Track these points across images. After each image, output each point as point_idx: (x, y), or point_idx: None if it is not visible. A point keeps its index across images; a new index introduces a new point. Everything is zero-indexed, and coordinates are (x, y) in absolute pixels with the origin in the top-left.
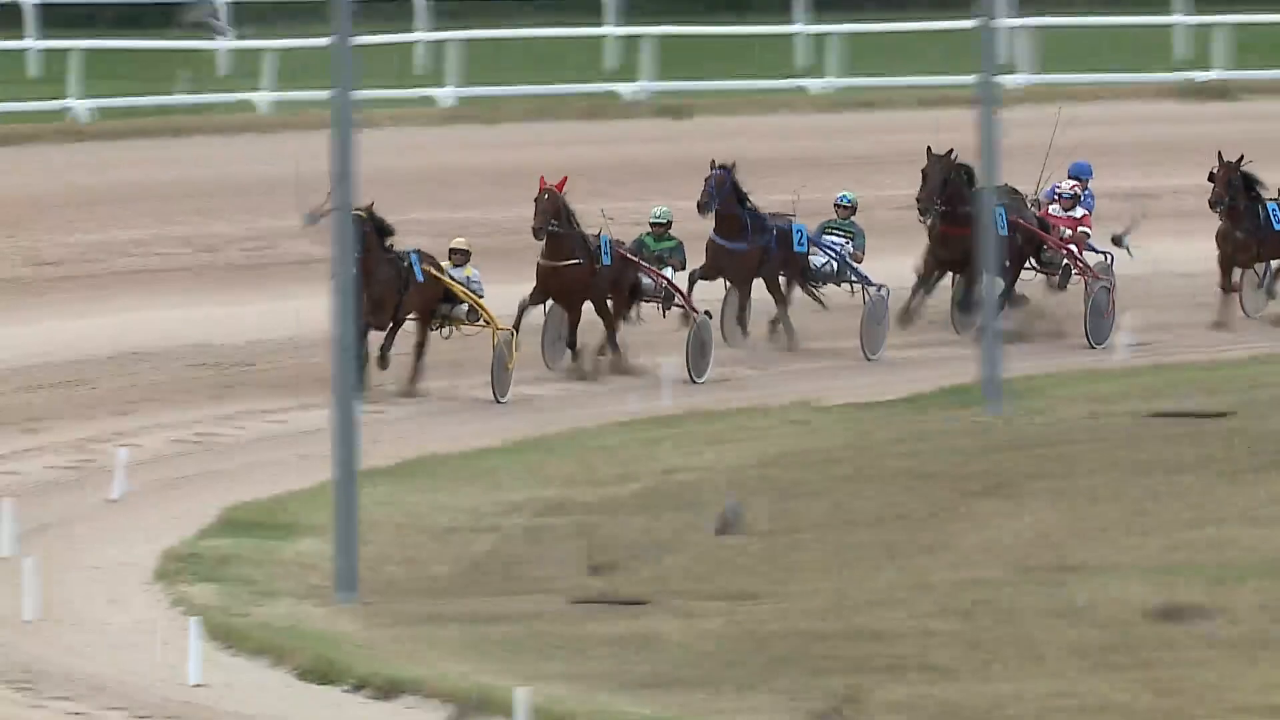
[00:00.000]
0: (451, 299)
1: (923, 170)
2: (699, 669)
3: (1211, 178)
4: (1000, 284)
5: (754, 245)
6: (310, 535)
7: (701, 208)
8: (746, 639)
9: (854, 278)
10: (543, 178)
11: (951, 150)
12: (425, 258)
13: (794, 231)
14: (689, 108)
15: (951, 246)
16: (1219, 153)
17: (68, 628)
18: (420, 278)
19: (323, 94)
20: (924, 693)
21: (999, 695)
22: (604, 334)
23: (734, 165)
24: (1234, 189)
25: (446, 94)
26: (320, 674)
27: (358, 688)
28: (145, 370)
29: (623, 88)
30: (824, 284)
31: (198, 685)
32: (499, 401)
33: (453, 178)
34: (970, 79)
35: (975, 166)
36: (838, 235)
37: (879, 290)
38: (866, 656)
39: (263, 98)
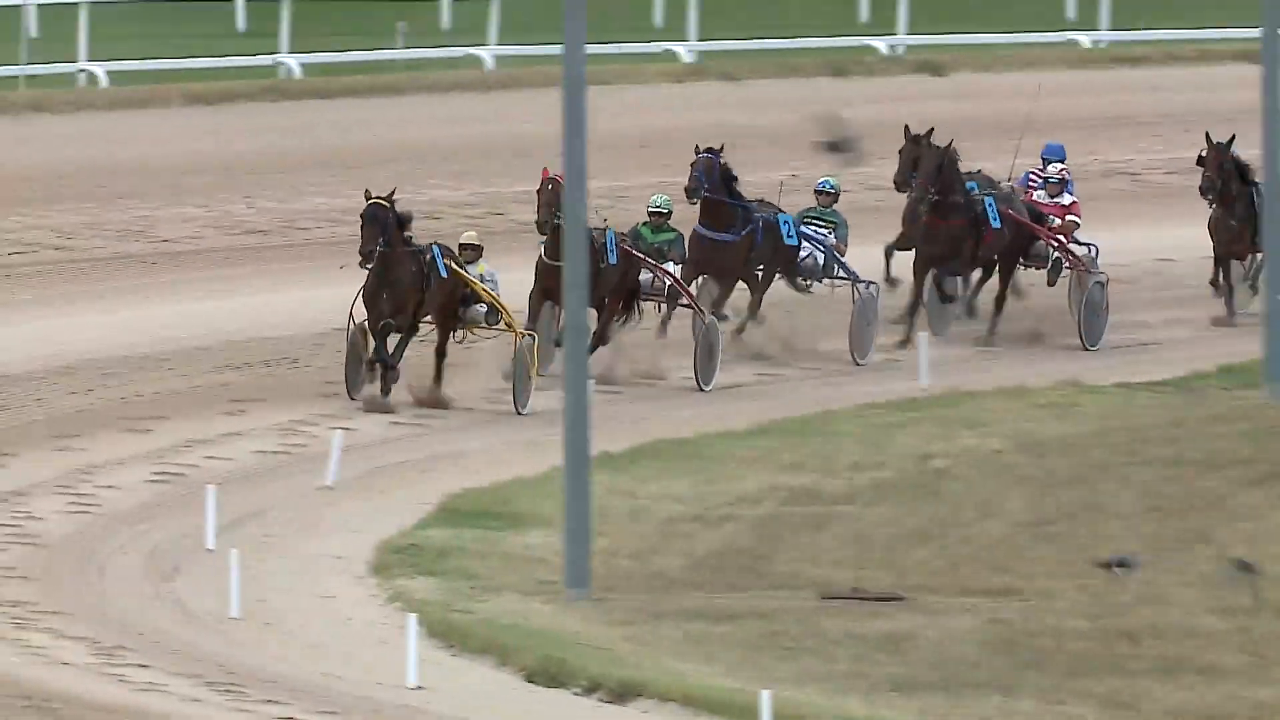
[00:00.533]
0: (468, 299)
1: (900, 150)
2: (952, 671)
3: (1201, 161)
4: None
5: (742, 236)
6: (537, 526)
7: (689, 193)
8: (1003, 638)
9: (841, 273)
10: (545, 169)
11: (932, 130)
12: (446, 252)
13: (781, 223)
14: (947, 64)
15: (940, 240)
16: (1206, 134)
17: (276, 625)
18: (444, 273)
19: (553, 49)
20: (1198, 696)
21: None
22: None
23: (722, 148)
24: (1225, 173)
25: (687, 49)
26: (549, 675)
27: (589, 690)
28: None
29: (878, 42)
30: (809, 279)
31: (416, 688)
32: (519, 413)
33: (690, 139)
34: (1254, 32)
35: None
36: (819, 225)
37: (868, 287)
38: (1131, 657)
39: (488, 53)
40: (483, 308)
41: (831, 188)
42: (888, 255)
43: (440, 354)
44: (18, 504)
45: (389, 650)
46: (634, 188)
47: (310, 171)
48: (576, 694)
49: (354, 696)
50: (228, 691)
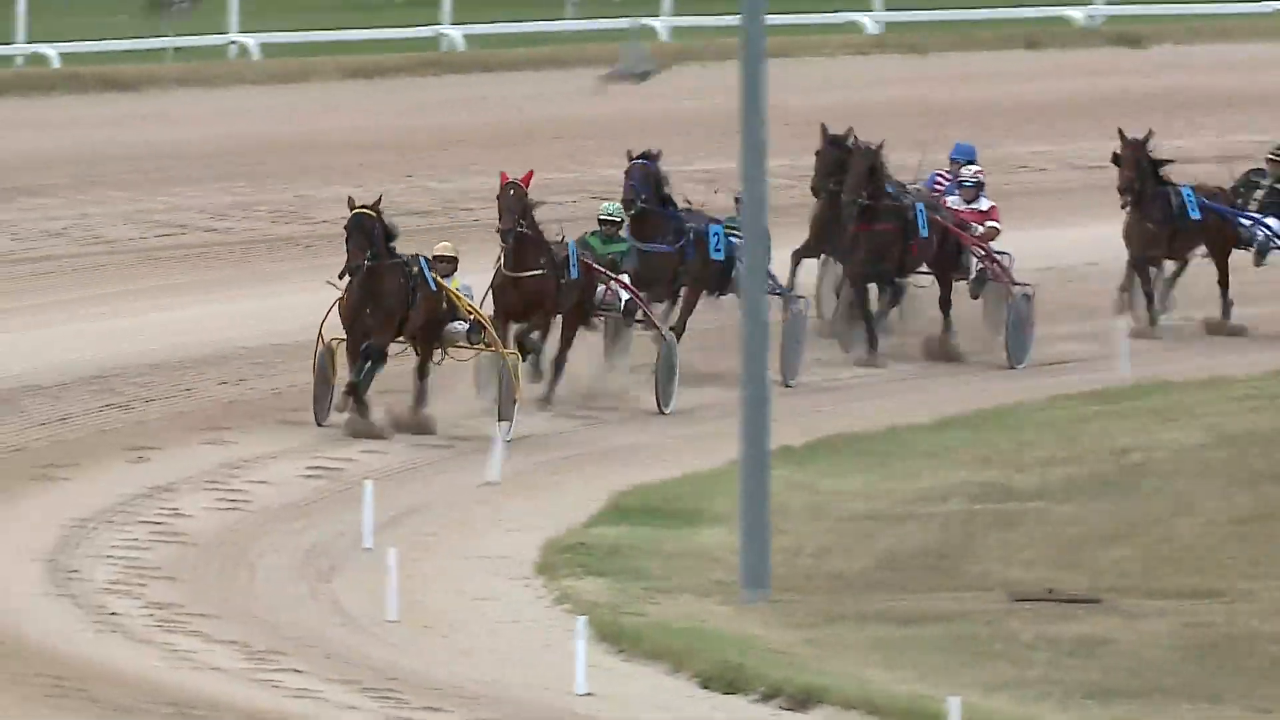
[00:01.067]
0: (445, 317)
1: (817, 153)
2: (1150, 677)
3: (1116, 159)
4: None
5: (676, 248)
6: (712, 524)
7: (627, 205)
8: (1204, 642)
9: (768, 287)
10: (504, 173)
11: (851, 129)
12: (432, 264)
13: (710, 235)
14: (1146, 35)
15: (870, 248)
16: (1119, 130)
17: (436, 628)
18: (432, 286)
19: (730, 19)
20: None
21: None
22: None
23: (659, 154)
24: (1143, 172)
25: (871, 19)
26: (725, 682)
27: (768, 697)
28: None
29: (1074, 11)
30: (736, 293)
31: (585, 694)
32: (505, 441)
33: (873, 115)
34: None
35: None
36: (738, 235)
37: (796, 303)
38: None
39: (662, 24)
40: (462, 325)
41: None
42: (795, 261)
43: (422, 374)
44: (165, 500)
45: (555, 655)
46: (807, 166)
47: (473, 149)
48: (754, 701)
49: (518, 704)
50: (385, 698)
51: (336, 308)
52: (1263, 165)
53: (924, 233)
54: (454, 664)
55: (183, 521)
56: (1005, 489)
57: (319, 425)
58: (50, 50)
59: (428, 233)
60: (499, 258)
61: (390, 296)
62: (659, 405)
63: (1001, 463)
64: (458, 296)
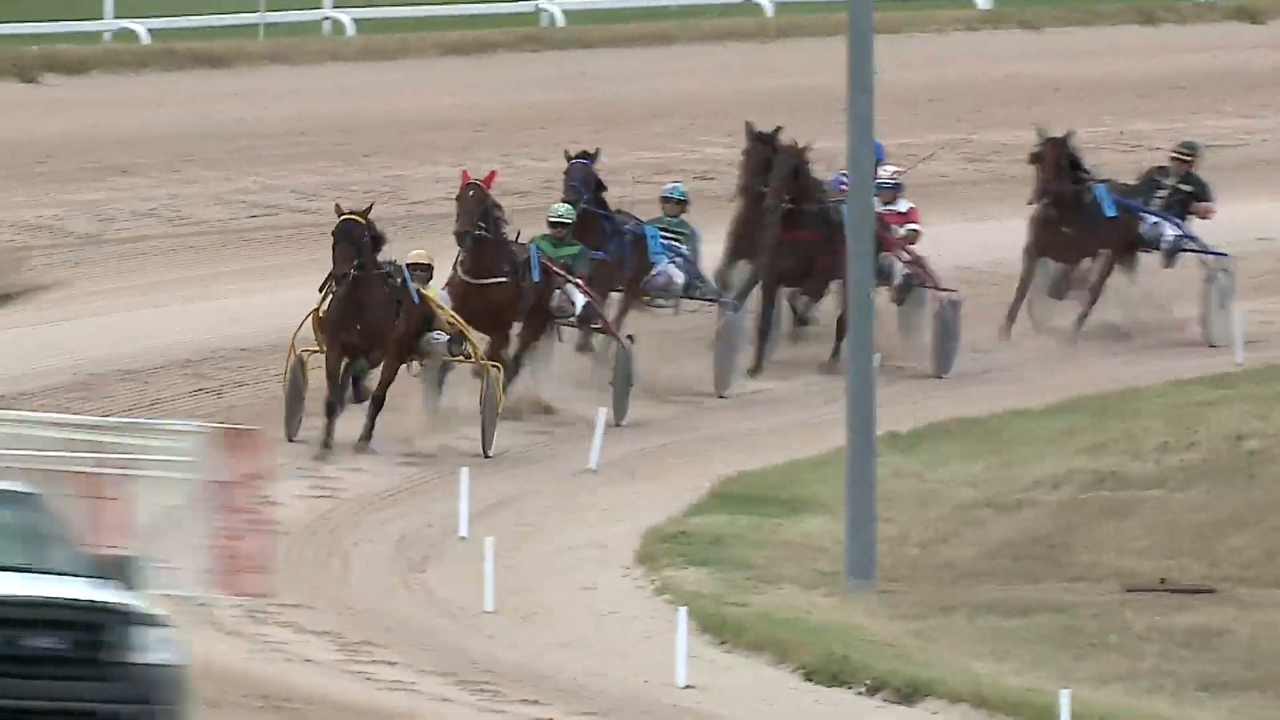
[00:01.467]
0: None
1: (744, 153)
2: (1266, 668)
3: (1036, 159)
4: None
5: (614, 253)
6: (817, 512)
7: (572, 204)
8: None
9: (699, 291)
10: (465, 172)
11: (780, 128)
12: (410, 272)
13: (649, 237)
14: (1266, 10)
15: (794, 254)
16: (1038, 128)
17: (533, 619)
18: (416, 298)
19: None
20: None
21: None
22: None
23: (596, 153)
24: (1062, 172)
25: None
26: (830, 674)
27: (874, 690)
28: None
29: None
30: (670, 299)
31: (686, 687)
32: (486, 456)
33: (985, 93)
34: None
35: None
36: (667, 237)
37: (732, 308)
38: None
39: None
40: (442, 336)
41: (680, 194)
42: (725, 272)
43: (381, 397)
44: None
45: (656, 646)
46: (924, 146)
47: (573, 128)
48: (859, 694)
49: (618, 696)
50: (481, 690)
51: (312, 319)
52: (1166, 164)
53: None
54: (552, 655)
55: (275, 510)
56: (1119, 477)
57: (289, 441)
58: (139, 26)
59: (527, 213)
60: (456, 261)
61: (376, 307)
62: (615, 418)
63: (1116, 450)
64: (440, 305)
